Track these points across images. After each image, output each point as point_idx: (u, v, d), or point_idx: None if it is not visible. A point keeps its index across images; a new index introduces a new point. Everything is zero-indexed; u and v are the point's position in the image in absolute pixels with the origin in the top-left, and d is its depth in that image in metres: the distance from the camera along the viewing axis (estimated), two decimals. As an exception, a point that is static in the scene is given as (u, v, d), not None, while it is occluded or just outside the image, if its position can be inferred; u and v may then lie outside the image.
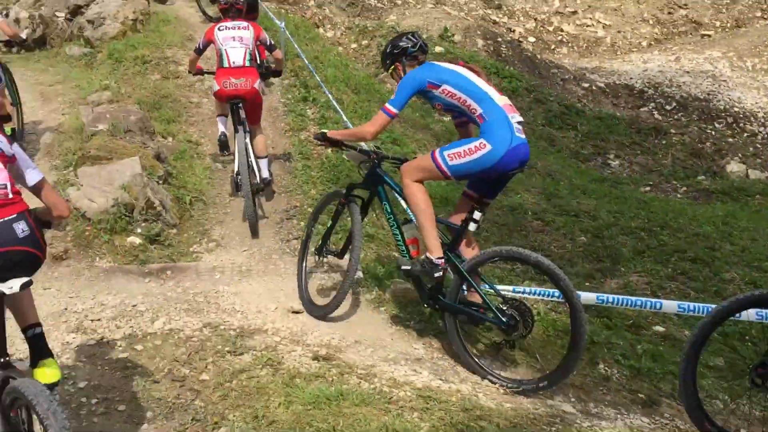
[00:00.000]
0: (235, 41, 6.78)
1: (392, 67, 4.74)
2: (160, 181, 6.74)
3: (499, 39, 15.62)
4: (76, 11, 11.34)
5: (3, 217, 2.85)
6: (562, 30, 19.00)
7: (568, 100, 13.74)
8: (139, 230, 5.98)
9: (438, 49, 13.77)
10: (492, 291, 4.46)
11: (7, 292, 2.72)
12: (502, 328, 4.26)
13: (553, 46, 18.59)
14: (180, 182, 7.12)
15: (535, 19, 18.92)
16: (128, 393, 3.83)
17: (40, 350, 3.20)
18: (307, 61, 9.76)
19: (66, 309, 4.81)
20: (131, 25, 10.88)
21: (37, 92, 9.01)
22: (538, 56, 16.20)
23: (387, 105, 4.52)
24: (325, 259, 5.37)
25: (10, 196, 2.94)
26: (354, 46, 14.31)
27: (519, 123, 4.33)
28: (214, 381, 3.94)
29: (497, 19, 18.07)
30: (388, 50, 4.77)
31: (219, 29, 6.88)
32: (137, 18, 11.05)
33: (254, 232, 6.33)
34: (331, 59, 11.57)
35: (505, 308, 4.25)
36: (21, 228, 2.87)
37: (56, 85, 8.99)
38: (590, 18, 19.65)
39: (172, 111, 8.42)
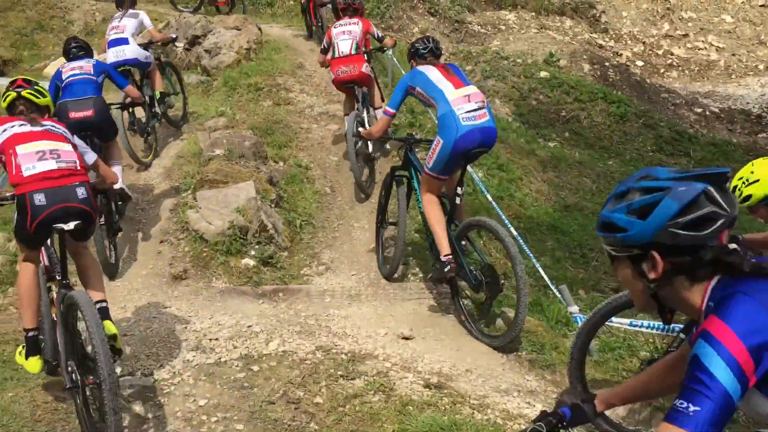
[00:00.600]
0: (344, 35, 7.84)
1: (411, 65, 5.56)
2: (273, 205, 6.95)
3: (606, 63, 15.30)
4: (194, 41, 11.89)
5: (70, 183, 3.88)
6: (672, 53, 18.39)
7: (679, 126, 13.25)
8: (252, 252, 6.16)
9: (543, 74, 13.62)
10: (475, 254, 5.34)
11: (66, 228, 3.77)
12: (471, 285, 5.16)
13: (662, 70, 18.02)
14: (291, 206, 7.31)
15: (644, 43, 18.41)
16: (246, 413, 3.92)
17: (103, 316, 4.03)
18: (413, 88, 9.84)
19: (186, 328, 5.00)
20: (245, 54, 11.30)
21: (158, 118, 9.49)
22: (647, 80, 15.75)
23: (386, 107, 5.64)
24: (384, 229, 6.31)
25: (78, 168, 4.00)
26: (458, 71, 14.34)
27: (470, 111, 4.93)
28: (328, 405, 3.98)
29: (603, 43, 17.69)
30: (409, 50, 5.62)
31: (335, 27, 8.05)
32: (250, 47, 11.47)
33: (363, 192, 7.53)
34: (436, 85, 11.62)
35: (476, 271, 5.05)
36: (81, 192, 3.90)
37: (177, 112, 9.42)
38: (702, 41, 18.94)
39: (284, 136, 8.67)
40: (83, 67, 6.32)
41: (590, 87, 13.40)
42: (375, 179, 7.80)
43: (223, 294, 5.63)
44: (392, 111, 5.50)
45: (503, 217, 6.11)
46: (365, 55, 7.91)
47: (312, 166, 8.35)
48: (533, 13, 18.28)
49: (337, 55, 7.73)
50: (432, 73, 5.19)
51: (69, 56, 6.60)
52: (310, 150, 8.70)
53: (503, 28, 17.49)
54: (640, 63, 17.29)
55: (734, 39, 18.97)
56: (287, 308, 5.45)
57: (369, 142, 7.48)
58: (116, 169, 5.96)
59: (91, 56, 6.72)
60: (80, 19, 12.56)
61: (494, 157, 9.01)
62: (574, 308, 4.90)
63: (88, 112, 5.95)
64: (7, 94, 4.28)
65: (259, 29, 12.19)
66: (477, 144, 4.95)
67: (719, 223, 1.59)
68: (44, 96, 4.34)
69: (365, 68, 7.71)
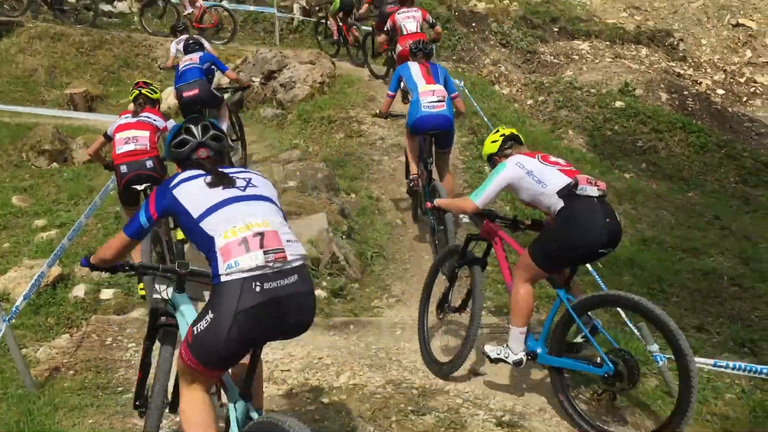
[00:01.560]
0: (410, 18, 9.77)
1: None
2: (344, 237, 7.00)
3: (685, 92, 14.90)
4: (269, 76, 12.22)
5: (142, 158, 5.89)
6: (755, 81, 17.76)
7: (764, 156, 12.70)
8: (324, 284, 6.20)
9: (618, 103, 13.36)
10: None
11: (140, 188, 5.81)
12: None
13: (745, 98, 17.41)
14: (362, 237, 7.35)
15: (724, 71, 17.85)
16: (317, 446, 3.91)
17: None
18: (485, 118, 9.82)
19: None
20: (318, 88, 11.54)
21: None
22: (729, 109, 15.23)
23: (388, 90, 7.42)
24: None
25: (148, 149, 5.98)
26: (530, 102, 14.24)
27: (432, 101, 6.60)
28: (398, 441, 3.93)
29: (682, 72, 17.24)
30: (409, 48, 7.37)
31: (399, 13, 9.86)
32: (324, 81, 11.71)
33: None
34: (508, 116, 11.58)
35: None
36: (149, 163, 5.90)
37: (252, 144, 9.66)
38: (788, 67, 18.24)
39: (356, 168, 8.77)
40: (192, 58, 8.31)
41: (668, 116, 13.06)
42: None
43: (294, 325, 5.66)
44: (392, 93, 7.28)
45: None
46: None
47: (383, 198, 8.40)
48: (608, 43, 18.02)
49: (405, 32, 9.63)
50: (414, 68, 6.93)
51: (186, 50, 8.63)
52: (381, 182, 8.76)
53: (576, 57, 17.29)
54: (720, 91, 16.76)
55: (822, 65, 18.20)
56: (358, 341, 5.44)
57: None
58: (223, 126, 7.72)
59: (202, 50, 8.62)
60: (163, 56, 13.06)
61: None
62: (653, 347, 4.68)
63: (195, 91, 7.92)
64: (132, 91, 6.68)
65: (333, 63, 12.44)
66: (431, 126, 6.68)
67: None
68: (156, 93, 6.72)
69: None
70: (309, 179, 7.78)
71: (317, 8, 16.85)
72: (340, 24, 13.65)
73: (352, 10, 13.41)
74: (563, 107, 13.51)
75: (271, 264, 2.68)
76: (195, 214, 2.81)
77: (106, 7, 15.00)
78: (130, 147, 5.93)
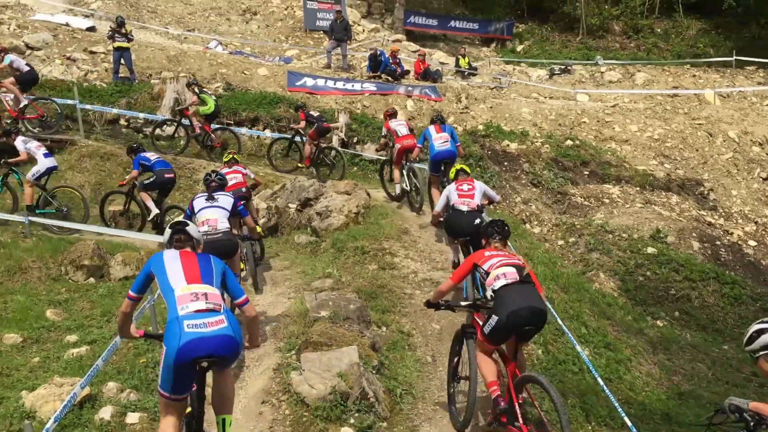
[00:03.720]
0: (401, 125, 12.55)
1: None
2: (374, 371, 6.88)
3: (717, 242, 14.91)
4: (306, 203, 12.53)
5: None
6: (787, 234, 17.73)
7: (802, 312, 12.48)
8: (352, 420, 6.04)
9: (650, 249, 13.38)
10: None
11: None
12: None
13: (777, 251, 17.30)
14: (392, 373, 7.22)
15: (756, 222, 17.89)
16: None
17: None
18: (517, 259, 9.84)
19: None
20: (353, 218, 11.76)
21: (268, 276, 9.85)
22: (762, 261, 15.13)
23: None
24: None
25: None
26: (561, 242, 14.32)
27: (441, 142, 11.28)
28: None
29: (713, 221, 17.31)
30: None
31: (391, 123, 12.66)
32: (359, 211, 11.95)
33: None
34: (539, 256, 11.61)
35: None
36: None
37: (284, 270, 9.76)
38: (821, 222, 18.22)
39: (387, 301, 8.75)
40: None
41: (701, 266, 13.01)
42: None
43: (320, 463, 5.49)
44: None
45: (615, 402, 5.80)
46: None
47: (414, 333, 8.32)
48: (638, 188, 18.28)
49: (399, 135, 12.31)
50: (431, 128, 11.72)
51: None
52: (412, 316, 8.71)
53: (607, 201, 17.51)
54: (752, 243, 16.71)
55: None
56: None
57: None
58: None
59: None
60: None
61: (601, 335, 8.71)
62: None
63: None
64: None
65: (368, 194, 12.74)
66: (443, 157, 11.31)
67: None
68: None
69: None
70: (341, 310, 7.76)
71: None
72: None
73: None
74: (594, 250, 13.55)
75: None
76: None
77: (156, 131, 15.71)
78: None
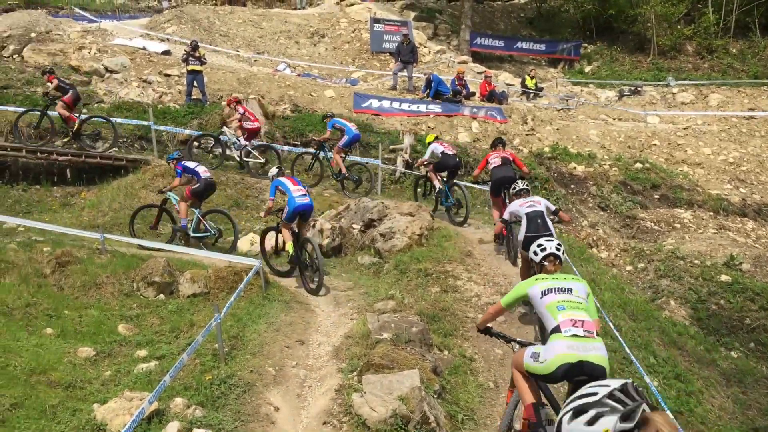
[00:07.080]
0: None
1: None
2: (435, 396, 6.84)
3: (796, 270, 14.24)
4: (369, 224, 12.61)
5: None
6: None
7: None
8: (412, 445, 6.01)
9: (724, 277, 12.91)
10: None
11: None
12: None
13: None
14: (453, 398, 7.16)
15: (838, 250, 17.05)
16: None
17: None
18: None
19: None
20: (417, 240, 11.78)
21: (331, 296, 9.94)
22: None
23: None
24: None
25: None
26: (629, 268, 13.97)
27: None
28: None
29: (791, 248, 16.59)
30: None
31: (492, 154, 12.70)
32: (422, 233, 11.96)
33: None
34: (607, 282, 11.36)
35: None
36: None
37: (347, 291, 9.82)
38: None
39: (450, 324, 8.70)
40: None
41: (778, 295, 12.47)
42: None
43: (380, 487, 5.47)
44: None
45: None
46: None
47: (476, 357, 8.25)
48: (711, 213, 17.71)
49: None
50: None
51: None
52: (474, 340, 8.63)
53: (678, 226, 17.02)
54: (834, 272, 15.92)
55: None
56: None
57: None
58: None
59: None
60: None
61: (671, 365, 8.43)
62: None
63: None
64: None
65: (431, 216, 12.74)
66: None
67: None
68: None
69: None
70: (403, 332, 7.75)
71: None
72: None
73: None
74: (664, 276, 13.17)
75: None
76: None
77: (228, 151, 16.13)
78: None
